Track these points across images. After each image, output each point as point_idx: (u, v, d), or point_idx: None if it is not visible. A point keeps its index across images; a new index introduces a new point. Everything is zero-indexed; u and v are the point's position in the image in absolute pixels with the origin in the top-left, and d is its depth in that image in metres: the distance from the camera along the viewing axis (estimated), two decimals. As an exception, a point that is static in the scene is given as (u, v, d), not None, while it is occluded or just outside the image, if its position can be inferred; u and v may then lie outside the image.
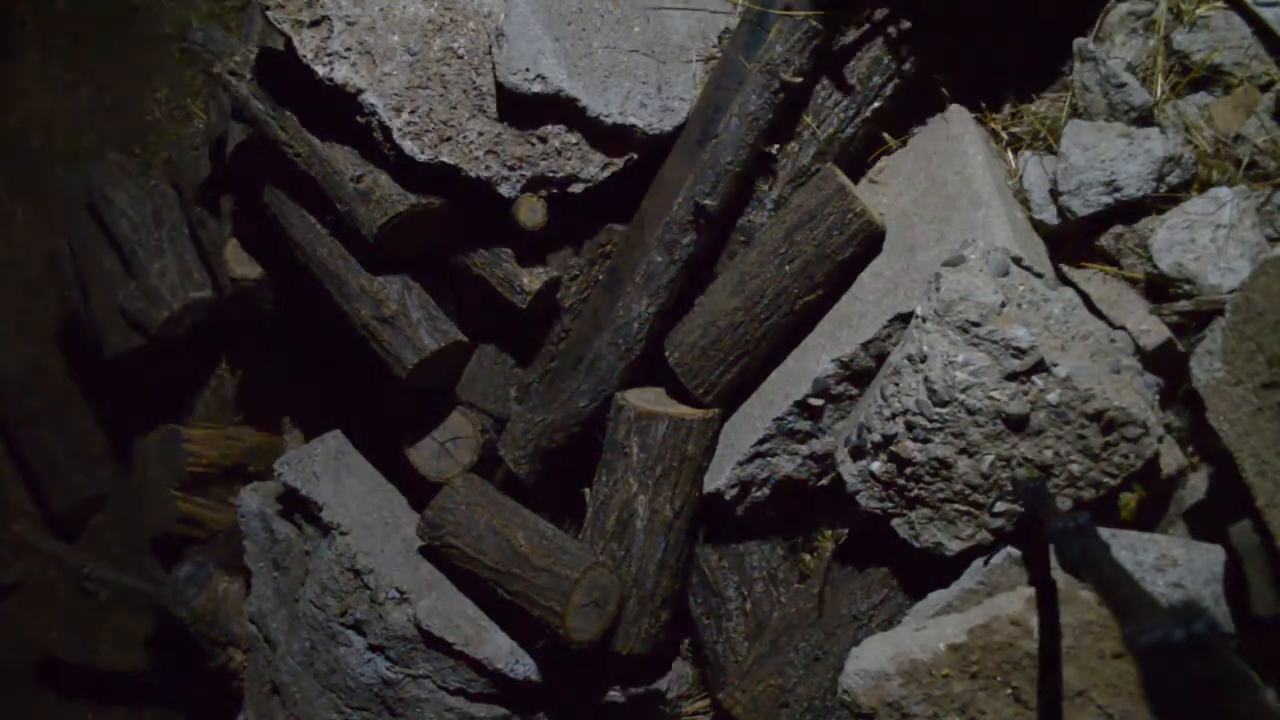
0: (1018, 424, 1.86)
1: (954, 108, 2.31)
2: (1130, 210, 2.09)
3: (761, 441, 2.29)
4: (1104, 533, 1.74)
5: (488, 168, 2.36)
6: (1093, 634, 1.73)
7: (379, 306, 2.43)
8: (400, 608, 2.40)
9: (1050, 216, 2.16)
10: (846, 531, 2.32)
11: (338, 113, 2.40)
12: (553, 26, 2.34)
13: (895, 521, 2.04)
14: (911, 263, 2.17)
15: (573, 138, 2.39)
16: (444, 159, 2.34)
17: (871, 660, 1.84)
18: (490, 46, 2.37)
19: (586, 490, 2.55)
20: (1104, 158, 2.07)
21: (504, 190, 2.38)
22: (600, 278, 2.50)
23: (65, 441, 3.78)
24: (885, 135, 2.37)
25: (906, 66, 2.26)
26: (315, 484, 2.60)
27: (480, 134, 2.36)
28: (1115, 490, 1.90)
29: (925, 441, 1.92)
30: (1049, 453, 1.86)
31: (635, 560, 2.35)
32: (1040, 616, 1.75)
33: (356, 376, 2.87)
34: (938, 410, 1.89)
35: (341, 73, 2.32)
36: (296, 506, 2.69)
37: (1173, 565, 1.79)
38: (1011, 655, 1.77)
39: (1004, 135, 2.27)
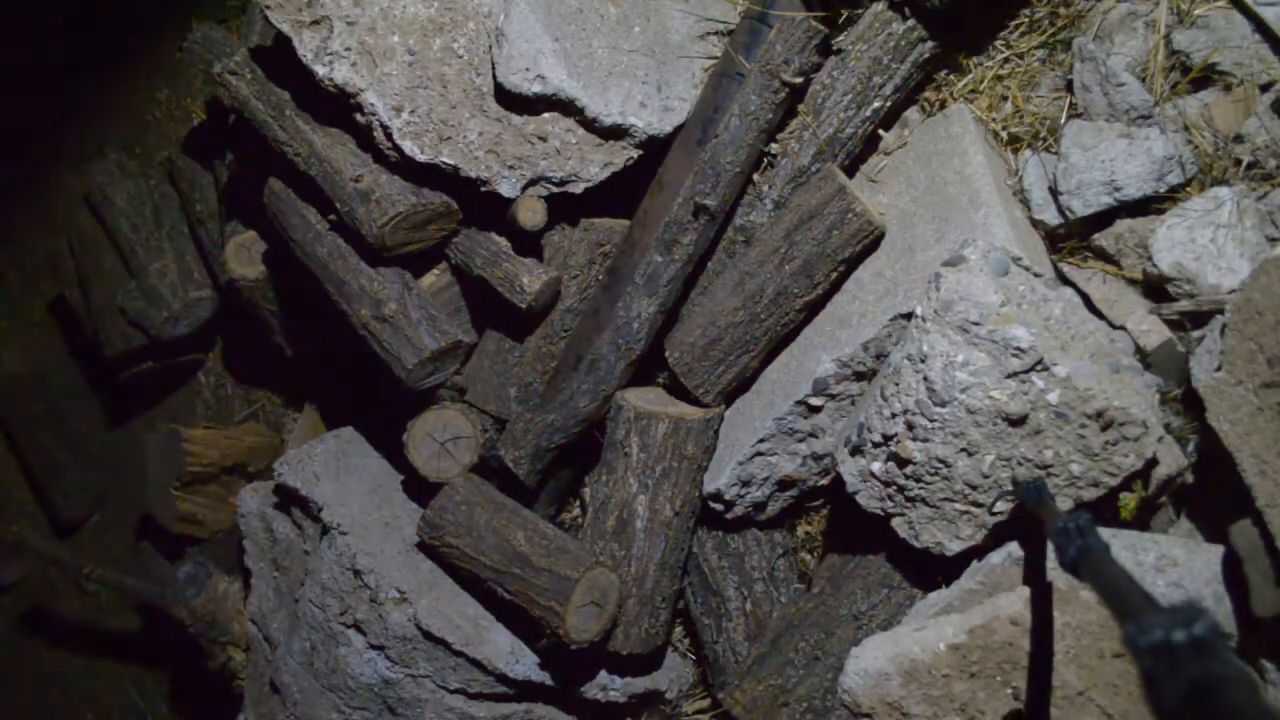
0: (1018, 423, 1.86)
1: (954, 107, 2.31)
2: (1130, 210, 2.09)
3: (762, 441, 2.29)
4: (1104, 533, 1.74)
5: (488, 168, 2.36)
6: (1093, 634, 1.73)
7: (379, 306, 2.43)
8: (400, 608, 2.39)
9: (1050, 216, 2.16)
10: (846, 531, 2.31)
11: (337, 112, 2.40)
12: (553, 26, 2.34)
13: (895, 521, 2.04)
14: (911, 263, 2.17)
15: (573, 138, 2.39)
16: (444, 159, 2.34)
17: (871, 660, 1.84)
18: (490, 46, 2.37)
19: (586, 490, 2.55)
20: (1104, 157, 2.07)
21: (504, 190, 2.38)
22: (600, 278, 2.50)
23: (65, 441, 3.79)
24: (885, 135, 2.37)
25: (907, 66, 2.26)
26: (315, 484, 2.61)
27: (480, 134, 2.36)
28: (1115, 490, 1.90)
29: (925, 441, 1.92)
30: (1049, 452, 1.86)
31: (635, 560, 2.35)
32: (1033, 615, 1.75)
33: (356, 376, 2.87)
34: (938, 410, 1.89)
35: (341, 73, 2.32)
36: (296, 506, 2.69)
37: (1173, 565, 1.78)
38: (1011, 655, 1.77)
39: (1004, 135, 2.27)
